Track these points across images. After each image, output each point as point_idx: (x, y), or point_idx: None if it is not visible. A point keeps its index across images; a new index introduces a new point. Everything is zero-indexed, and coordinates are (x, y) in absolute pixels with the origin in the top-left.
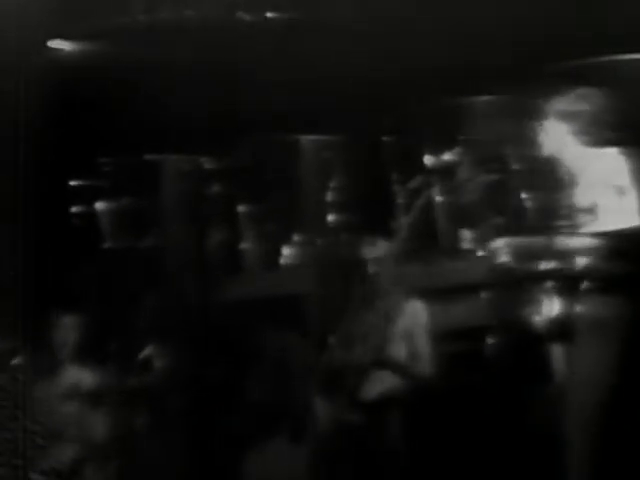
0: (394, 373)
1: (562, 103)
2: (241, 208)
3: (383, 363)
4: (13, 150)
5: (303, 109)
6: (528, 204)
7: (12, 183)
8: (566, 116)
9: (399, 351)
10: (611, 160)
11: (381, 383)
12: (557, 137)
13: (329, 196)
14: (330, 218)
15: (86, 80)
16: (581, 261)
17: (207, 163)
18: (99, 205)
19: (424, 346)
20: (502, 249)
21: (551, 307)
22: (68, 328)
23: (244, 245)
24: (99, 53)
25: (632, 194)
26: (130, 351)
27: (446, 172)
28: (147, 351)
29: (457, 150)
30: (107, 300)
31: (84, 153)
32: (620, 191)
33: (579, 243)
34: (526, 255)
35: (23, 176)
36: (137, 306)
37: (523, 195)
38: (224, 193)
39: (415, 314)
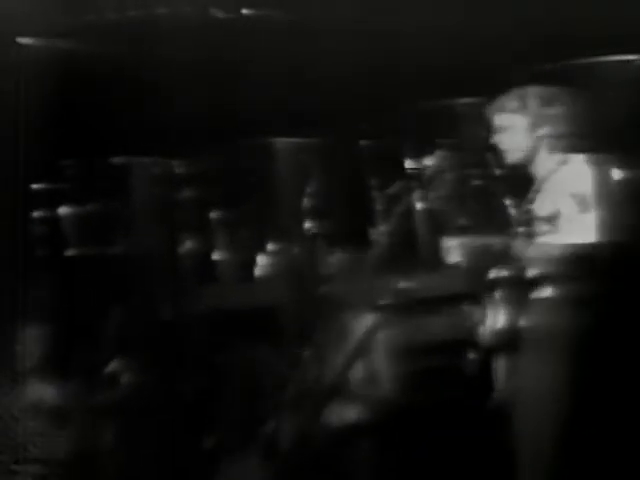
0: (356, 400)
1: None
2: (214, 214)
3: (344, 389)
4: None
5: (279, 111)
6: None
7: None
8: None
9: (367, 372)
10: (576, 168)
11: (344, 410)
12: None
13: (305, 202)
14: (306, 225)
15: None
16: (539, 270)
17: (179, 167)
18: (63, 210)
19: (392, 365)
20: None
21: (510, 318)
22: (30, 340)
23: (217, 253)
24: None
25: (595, 205)
26: (96, 366)
27: (428, 177)
28: (114, 366)
29: (439, 154)
30: (71, 311)
31: (46, 155)
32: (583, 201)
33: (538, 252)
34: (482, 262)
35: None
36: (103, 317)
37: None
38: (196, 198)
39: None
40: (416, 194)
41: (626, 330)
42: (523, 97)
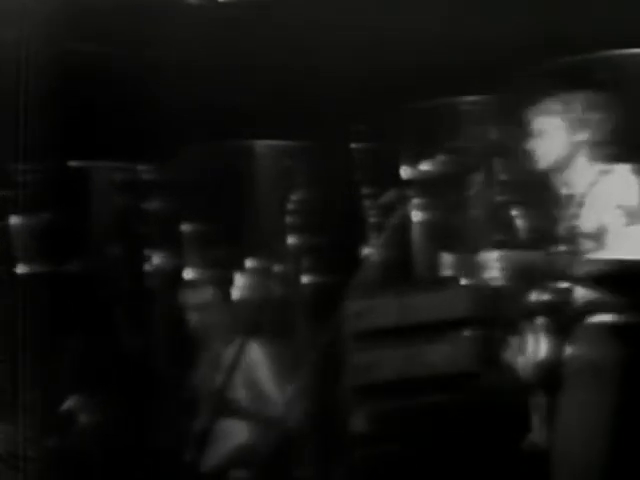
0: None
1: (563, 108)
2: (185, 227)
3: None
4: None
5: (260, 112)
6: (520, 224)
7: None
8: (569, 124)
9: None
10: (622, 178)
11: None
12: (556, 147)
13: (287, 213)
14: (289, 240)
15: None
16: (580, 294)
17: (146, 173)
18: (13, 220)
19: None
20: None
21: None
22: None
23: (189, 272)
24: None
25: None
26: (50, 402)
27: (425, 185)
28: (71, 403)
29: (438, 159)
30: (21, 339)
31: None
32: (631, 213)
33: (580, 272)
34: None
35: None
36: (58, 347)
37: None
38: (165, 209)
39: None
40: (413, 204)
41: None
42: (565, 100)
